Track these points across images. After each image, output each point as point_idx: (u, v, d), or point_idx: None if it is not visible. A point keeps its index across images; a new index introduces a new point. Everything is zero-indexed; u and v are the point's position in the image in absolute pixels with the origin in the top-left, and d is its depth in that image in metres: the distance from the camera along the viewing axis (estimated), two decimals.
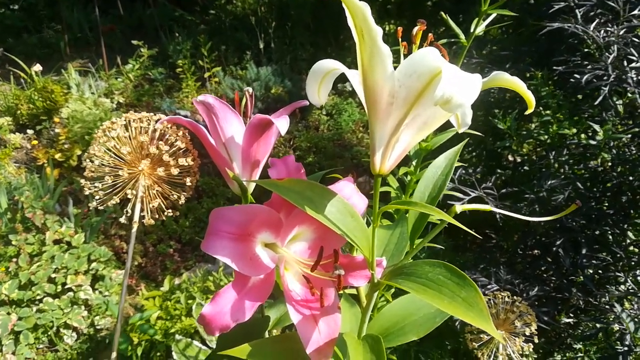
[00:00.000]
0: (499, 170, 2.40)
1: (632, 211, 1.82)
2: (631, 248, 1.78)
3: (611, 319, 1.54)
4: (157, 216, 0.91)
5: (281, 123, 0.83)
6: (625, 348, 1.45)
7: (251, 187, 0.91)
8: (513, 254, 1.93)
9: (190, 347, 2.15)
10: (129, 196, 0.86)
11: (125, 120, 0.88)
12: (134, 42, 5.06)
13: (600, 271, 1.73)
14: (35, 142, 4.01)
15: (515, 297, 0.99)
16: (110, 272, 3.08)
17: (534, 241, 1.89)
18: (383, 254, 0.86)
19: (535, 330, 0.96)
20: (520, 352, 0.97)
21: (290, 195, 0.66)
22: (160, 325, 2.40)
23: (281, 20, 5.53)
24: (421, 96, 0.57)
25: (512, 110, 2.19)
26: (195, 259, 3.67)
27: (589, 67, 1.84)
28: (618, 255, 1.74)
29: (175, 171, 0.87)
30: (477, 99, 0.54)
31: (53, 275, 2.84)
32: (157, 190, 0.88)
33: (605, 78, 1.80)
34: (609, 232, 1.79)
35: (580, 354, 1.67)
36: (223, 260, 0.70)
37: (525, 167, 2.11)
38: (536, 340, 0.97)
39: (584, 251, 1.75)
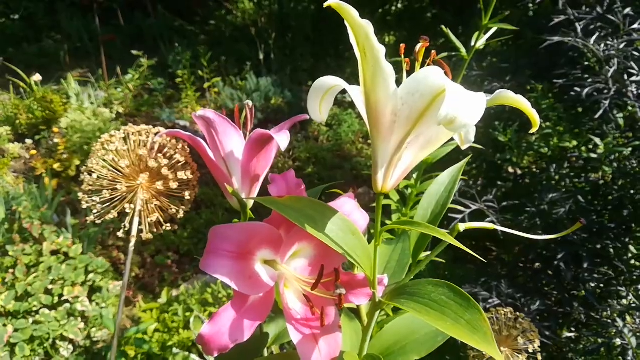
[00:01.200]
0: (499, 183, 2.39)
1: (633, 225, 1.81)
2: (633, 262, 1.77)
3: (613, 334, 1.53)
4: (155, 230, 0.89)
5: (281, 138, 0.82)
6: None
7: (250, 202, 0.90)
8: (514, 267, 1.92)
9: None
10: (127, 210, 0.85)
11: (124, 133, 0.87)
12: (134, 52, 5.07)
13: (601, 285, 1.72)
14: (34, 152, 4.00)
15: (518, 314, 0.98)
16: (108, 283, 3.05)
17: (535, 255, 1.87)
18: (385, 271, 0.84)
19: (539, 347, 0.94)
20: None
21: (290, 214, 0.65)
22: (157, 338, 2.38)
23: (281, 31, 5.55)
24: (424, 115, 0.56)
25: (512, 123, 2.19)
26: (193, 270, 3.65)
27: (589, 80, 1.84)
28: (620, 269, 1.73)
29: (174, 185, 0.86)
30: None
31: (50, 287, 2.81)
32: (155, 205, 0.87)
33: (605, 92, 1.80)
34: (611, 246, 1.78)
35: None
36: (222, 280, 0.68)
37: (527, 180, 2.10)
38: (539, 358, 0.95)
39: (585, 265, 1.74)
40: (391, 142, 0.60)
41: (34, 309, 2.73)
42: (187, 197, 0.89)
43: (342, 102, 5.28)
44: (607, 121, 1.97)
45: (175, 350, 2.13)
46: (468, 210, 1.78)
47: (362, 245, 0.69)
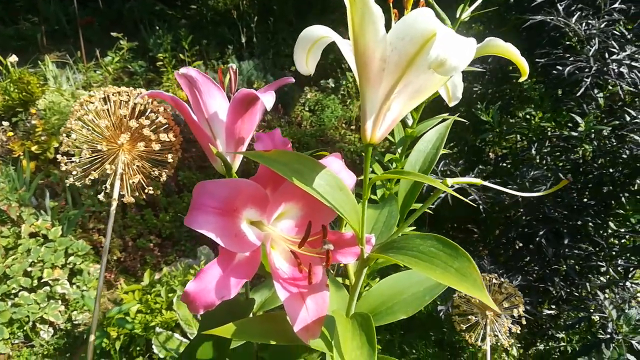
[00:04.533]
0: (480, 167, 2.41)
1: (612, 202, 1.84)
2: (612, 239, 1.80)
3: (592, 309, 1.55)
4: (137, 194, 0.87)
5: (267, 98, 0.81)
6: (608, 336, 1.45)
7: (236, 164, 0.89)
8: (496, 246, 1.94)
9: (171, 339, 2.11)
10: (108, 171, 0.83)
11: (104, 94, 0.85)
12: (113, 34, 4.97)
13: (581, 262, 1.74)
14: (10, 133, 3.91)
15: (502, 279, 0.98)
16: (89, 266, 3.01)
17: (516, 233, 1.89)
18: (372, 232, 0.84)
19: (523, 311, 0.95)
20: (508, 334, 0.97)
21: (277, 167, 0.64)
22: (140, 318, 2.35)
23: (263, 15, 5.49)
24: (414, 61, 0.56)
25: (493, 105, 2.20)
26: (175, 253, 3.62)
27: (571, 59, 1.86)
28: (599, 246, 1.75)
29: (156, 147, 0.84)
30: None
31: (29, 269, 2.76)
32: (137, 166, 0.85)
33: (587, 70, 1.81)
34: (591, 222, 1.80)
35: (563, 343, 1.67)
36: (208, 235, 0.67)
37: (508, 161, 2.12)
38: (524, 322, 0.96)
39: (566, 241, 1.76)
40: (380, 91, 0.59)
41: (13, 291, 2.68)
42: (170, 160, 0.87)
43: (325, 88, 5.26)
44: (587, 101, 1.99)
45: (158, 330, 2.11)
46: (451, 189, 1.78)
47: (350, 201, 0.68)
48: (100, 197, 0.85)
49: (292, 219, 0.80)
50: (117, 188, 0.85)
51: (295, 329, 0.71)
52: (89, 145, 0.83)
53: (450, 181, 0.67)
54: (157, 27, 5.34)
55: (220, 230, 0.68)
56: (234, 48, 5.23)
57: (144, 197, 0.90)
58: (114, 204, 0.86)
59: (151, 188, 0.88)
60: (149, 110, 0.86)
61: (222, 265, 0.71)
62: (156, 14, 6.21)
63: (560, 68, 1.81)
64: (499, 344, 0.96)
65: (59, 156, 0.84)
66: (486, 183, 0.70)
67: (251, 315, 0.96)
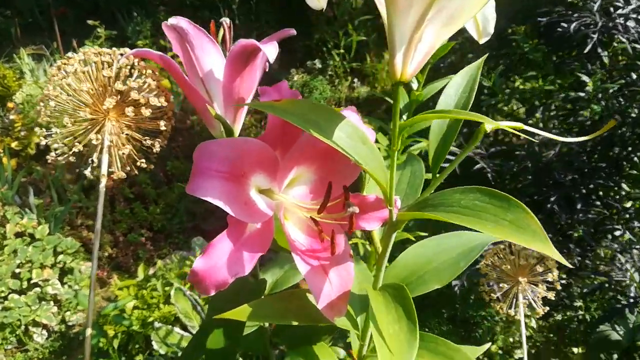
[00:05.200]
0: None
1: (624, 163, 1.77)
2: (626, 201, 1.73)
3: (612, 273, 1.48)
4: (128, 168, 0.78)
5: (269, 49, 0.71)
6: (631, 300, 1.39)
7: (237, 128, 0.79)
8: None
9: (171, 334, 2.02)
10: (94, 141, 0.73)
11: (83, 55, 0.75)
12: (90, 22, 4.81)
13: (596, 226, 1.67)
14: None
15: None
16: (79, 264, 2.90)
17: (526, 200, 1.82)
18: (395, 194, 0.75)
19: (557, 275, 0.87)
20: (541, 301, 0.89)
21: (291, 118, 0.54)
22: (137, 315, 2.26)
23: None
24: None
25: (494, 70, 2.12)
26: (169, 247, 3.51)
27: (575, 15, 1.77)
28: (614, 208, 1.69)
29: (147, 112, 0.74)
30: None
31: (17, 270, 2.65)
32: (127, 135, 0.75)
33: (592, 26, 1.73)
34: (603, 185, 1.73)
35: (580, 312, 1.61)
36: (215, 203, 0.58)
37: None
38: (558, 287, 0.89)
39: (579, 206, 1.69)
40: (409, 17, 0.50)
41: (2, 294, 2.57)
42: (163, 128, 0.77)
43: (312, 69, 5.14)
44: (592, 60, 1.91)
45: (157, 324, 2.02)
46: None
47: (375, 156, 0.59)
48: (87, 172, 0.75)
49: (305, 185, 0.71)
50: (105, 162, 0.76)
51: (319, 306, 0.62)
52: (70, 114, 0.73)
53: (489, 127, 0.58)
54: (135, 14, 5.17)
55: (228, 197, 0.59)
56: (216, 32, 5.08)
57: (136, 171, 0.80)
58: (103, 180, 0.76)
59: (143, 161, 0.78)
60: (135, 73, 0.76)
61: (232, 237, 0.62)
62: (133, 1, 6.03)
63: (565, 25, 1.72)
64: (530, 313, 0.89)
65: (37, 129, 0.74)
66: (528, 127, 0.61)
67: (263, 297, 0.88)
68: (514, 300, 0.89)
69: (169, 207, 3.71)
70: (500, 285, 0.88)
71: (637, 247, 1.54)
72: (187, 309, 2.06)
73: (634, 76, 1.86)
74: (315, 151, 0.67)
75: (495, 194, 0.52)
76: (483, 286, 0.91)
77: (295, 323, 0.65)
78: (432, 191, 0.63)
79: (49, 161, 0.76)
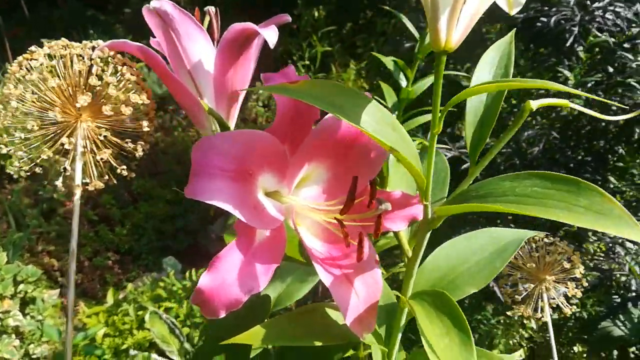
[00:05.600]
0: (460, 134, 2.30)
1: (609, 156, 1.75)
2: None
3: (612, 267, 1.44)
4: (106, 177, 0.67)
5: (269, 33, 0.62)
6: (634, 294, 1.35)
7: (231, 126, 0.70)
8: (494, 213, 1.82)
9: None
10: (67, 146, 0.62)
11: (49, 49, 0.64)
12: (44, 40, 4.59)
13: None
14: None
15: (552, 238, 0.84)
16: (42, 292, 2.70)
17: None
18: (417, 190, 0.67)
19: (582, 272, 0.81)
20: (566, 301, 0.83)
21: (312, 101, 0.46)
22: (108, 343, 2.10)
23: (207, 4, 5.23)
24: None
25: (472, 65, 2.08)
26: (138, 269, 3.34)
27: (554, 9, 1.75)
28: None
29: (127, 110, 0.64)
30: None
31: None
32: (104, 138, 0.64)
33: (572, 20, 1.72)
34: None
35: (577, 309, 1.57)
36: (221, 207, 0.48)
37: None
38: (585, 284, 0.82)
39: None
40: None
41: None
42: (146, 129, 0.67)
43: None
44: (569, 56, 1.90)
45: (132, 352, 1.87)
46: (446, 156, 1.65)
47: (406, 143, 0.51)
48: (59, 184, 0.64)
49: (317, 184, 0.62)
50: (79, 170, 0.65)
51: (347, 322, 0.54)
52: (36, 116, 0.62)
53: (534, 104, 0.51)
54: (92, 31, 4.99)
55: (236, 200, 0.50)
56: None
57: (115, 181, 0.69)
58: (78, 191, 0.65)
59: (124, 167, 0.67)
60: (111, 67, 0.66)
61: (242, 247, 0.52)
62: (89, 20, 5.84)
63: (544, 20, 1.70)
64: (558, 313, 0.82)
65: None
66: (574, 105, 0.54)
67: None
68: (537, 301, 0.82)
69: (135, 228, 3.54)
70: (525, 286, 0.81)
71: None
72: (164, 333, 1.92)
73: (610, 69, 1.86)
74: (330, 144, 0.58)
75: (558, 178, 0.45)
76: (504, 287, 0.84)
77: (319, 344, 0.56)
78: (471, 182, 0.55)
79: (12, 173, 0.65)
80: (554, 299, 0.82)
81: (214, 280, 0.49)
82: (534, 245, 0.84)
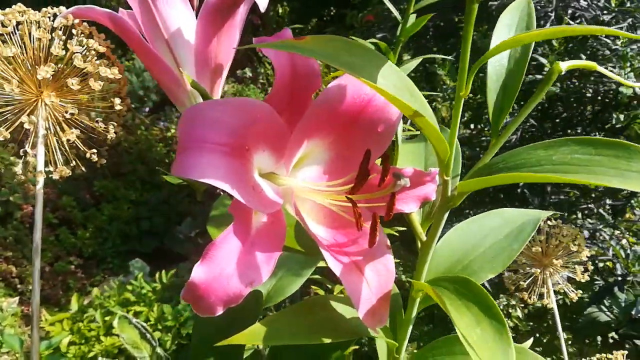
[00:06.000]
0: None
1: None
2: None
3: (595, 252, 1.43)
4: (73, 163, 0.59)
5: None
6: (619, 278, 1.34)
7: (217, 96, 0.63)
8: (477, 202, 1.79)
9: None
10: (27, 126, 0.54)
11: (3, 16, 0.55)
12: None
13: (570, 208, 1.63)
14: None
15: (556, 221, 0.80)
16: (0, 301, 2.55)
17: (495, 186, 1.76)
18: (427, 169, 0.61)
19: (587, 256, 0.78)
20: (571, 286, 0.79)
21: (322, 59, 0.40)
22: (74, 351, 1.98)
23: None
24: None
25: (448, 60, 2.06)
26: (103, 273, 3.20)
27: None
28: (584, 188, 1.65)
29: (96, 85, 0.56)
30: None
31: None
32: (71, 116, 0.56)
33: (549, 6, 1.71)
34: None
35: (560, 296, 1.55)
36: (217, 185, 0.41)
37: (468, 113, 1.98)
38: (590, 267, 0.79)
39: (549, 189, 1.64)
40: None
41: None
42: (119, 107, 0.59)
43: (243, 79, 4.97)
44: (541, 44, 1.89)
45: (101, 359, 1.77)
46: None
47: (426, 111, 0.45)
48: (18, 169, 0.56)
49: (317, 164, 0.56)
50: (41, 155, 0.56)
51: (360, 314, 0.48)
52: None
53: (563, 65, 0.46)
54: None
55: (234, 178, 0.43)
56: None
57: (83, 168, 0.61)
58: (41, 179, 0.57)
59: (94, 151, 0.59)
60: (76, 38, 0.57)
61: (240, 233, 0.46)
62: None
63: None
64: (565, 298, 0.78)
65: None
66: (601, 69, 0.49)
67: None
68: (540, 287, 0.78)
69: (99, 231, 3.38)
70: (530, 270, 0.77)
71: (611, 223, 1.50)
72: (135, 339, 1.82)
73: (584, 57, 1.86)
74: (333, 118, 0.52)
75: (602, 142, 0.40)
76: (510, 273, 0.79)
77: (327, 341, 0.49)
78: (493, 155, 0.49)
79: None
80: (558, 284, 0.78)
81: (210, 271, 0.42)
82: (544, 225, 0.80)
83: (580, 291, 0.81)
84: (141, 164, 3.79)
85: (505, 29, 0.51)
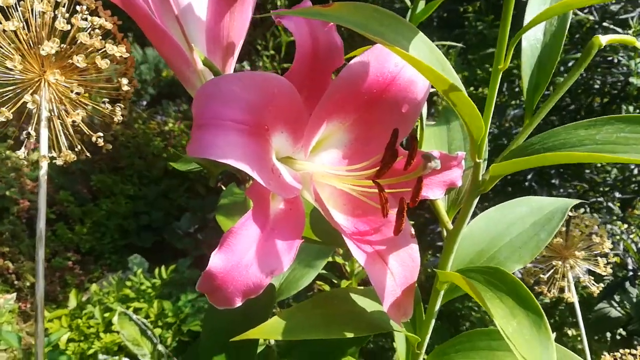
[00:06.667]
0: (435, 117, 2.25)
1: None
2: (604, 174, 1.68)
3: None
4: (78, 147, 0.56)
5: None
6: (631, 273, 1.31)
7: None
8: (483, 198, 1.76)
9: None
10: (30, 106, 0.50)
11: None
12: None
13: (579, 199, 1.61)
14: None
15: (575, 212, 0.77)
16: None
17: (503, 180, 1.73)
18: (450, 152, 0.58)
19: (610, 246, 0.75)
20: (592, 279, 0.76)
21: (352, 26, 0.36)
22: (73, 348, 1.95)
23: None
24: None
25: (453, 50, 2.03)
26: (101, 269, 3.16)
27: None
28: (592, 182, 1.62)
29: (103, 64, 0.53)
30: None
31: None
32: (76, 96, 0.53)
33: None
34: None
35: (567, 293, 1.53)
36: (236, 166, 0.38)
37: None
38: (612, 259, 0.76)
39: (557, 182, 1.61)
40: None
41: None
42: (126, 88, 0.56)
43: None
44: None
45: (101, 356, 1.73)
46: None
47: (460, 85, 0.42)
48: (20, 153, 0.52)
49: (336, 148, 0.53)
50: (45, 137, 0.53)
51: (384, 307, 0.45)
52: None
53: (604, 39, 0.43)
54: None
55: (253, 158, 0.40)
56: (134, 35, 4.73)
57: (87, 154, 0.58)
58: (44, 164, 0.54)
59: (100, 135, 0.56)
60: (81, 13, 0.54)
61: (259, 220, 0.42)
62: None
63: None
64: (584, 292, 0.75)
65: None
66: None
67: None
68: (561, 280, 0.76)
69: (97, 226, 3.34)
70: (551, 263, 0.74)
71: (621, 216, 1.48)
72: (135, 335, 1.79)
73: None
74: (354, 97, 0.49)
75: None
76: (528, 266, 0.77)
77: (348, 335, 0.46)
78: (526, 137, 0.46)
79: None
80: (579, 277, 0.75)
81: (229, 260, 0.39)
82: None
83: (601, 285, 0.78)
84: (139, 158, 3.74)
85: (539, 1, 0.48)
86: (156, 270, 2.34)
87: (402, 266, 0.48)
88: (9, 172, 3.00)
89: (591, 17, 1.79)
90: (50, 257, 3.05)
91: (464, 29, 2.07)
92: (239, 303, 0.40)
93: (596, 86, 1.78)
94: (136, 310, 2.07)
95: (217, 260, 0.39)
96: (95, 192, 3.51)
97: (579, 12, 1.83)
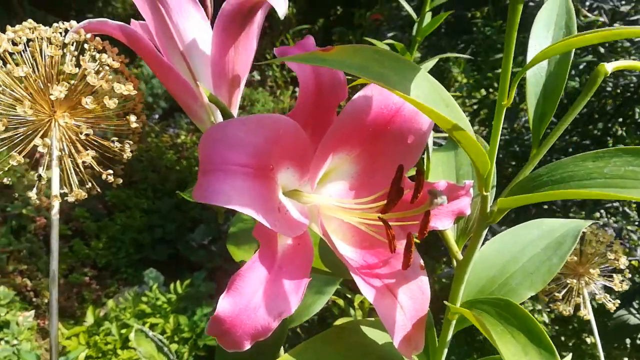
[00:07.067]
0: None
1: (608, 138, 1.70)
2: None
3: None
4: (89, 184, 0.56)
5: (278, 2, 0.53)
6: None
7: (234, 113, 0.60)
8: None
9: None
10: (41, 149, 0.51)
11: (13, 34, 0.53)
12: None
13: (594, 205, 1.59)
14: None
15: (592, 227, 0.77)
16: (16, 315, 2.54)
17: None
18: (457, 181, 0.58)
19: (626, 262, 0.74)
20: (608, 295, 0.75)
21: (353, 70, 0.36)
22: None
23: None
24: None
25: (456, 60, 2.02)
26: (117, 284, 3.19)
27: None
28: None
29: (111, 103, 0.53)
30: None
31: None
32: (86, 137, 0.54)
33: None
34: None
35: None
36: (241, 211, 0.38)
37: (484, 111, 1.94)
38: (628, 275, 0.75)
39: None
40: None
41: None
42: (134, 125, 0.57)
43: (251, 82, 4.95)
44: None
45: None
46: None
47: (464, 124, 0.41)
48: (32, 195, 0.53)
49: (342, 179, 0.53)
50: (56, 178, 0.54)
51: (395, 342, 0.45)
52: (1, 114, 0.51)
53: (609, 67, 0.43)
54: None
55: (259, 202, 0.40)
56: None
57: (98, 190, 0.58)
58: (56, 204, 0.54)
59: (110, 172, 0.57)
60: (88, 53, 0.55)
61: (266, 260, 0.43)
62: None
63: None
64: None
65: None
66: None
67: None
68: (576, 297, 0.75)
69: (112, 241, 3.37)
70: (566, 280, 0.73)
71: (638, 220, 1.46)
72: (152, 352, 1.79)
73: (602, 50, 1.81)
74: (359, 130, 0.49)
75: None
76: None
77: None
78: (532, 168, 0.46)
79: None
80: (596, 294, 0.74)
81: (236, 303, 0.39)
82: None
83: (618, 301, 0.77)
84: (152, 172, 3.78)
85: (543, 28, 0.48)
86: (172, 285, 2.35)
87: (412, 299, 0.47)
88: (25, 190, 3.04)
89: (601, 19, 1.77)
90: (67, 272, 3.09)
91: (472, 34, 2.06)
92: (247, 346, 0.41)
93: (608, 88, 1.76)
94: (152, 326, 2.08)
95: (225, 305, 0.39)
96: (110, 207, 3.55)
97: (588, 15, 1.81)
